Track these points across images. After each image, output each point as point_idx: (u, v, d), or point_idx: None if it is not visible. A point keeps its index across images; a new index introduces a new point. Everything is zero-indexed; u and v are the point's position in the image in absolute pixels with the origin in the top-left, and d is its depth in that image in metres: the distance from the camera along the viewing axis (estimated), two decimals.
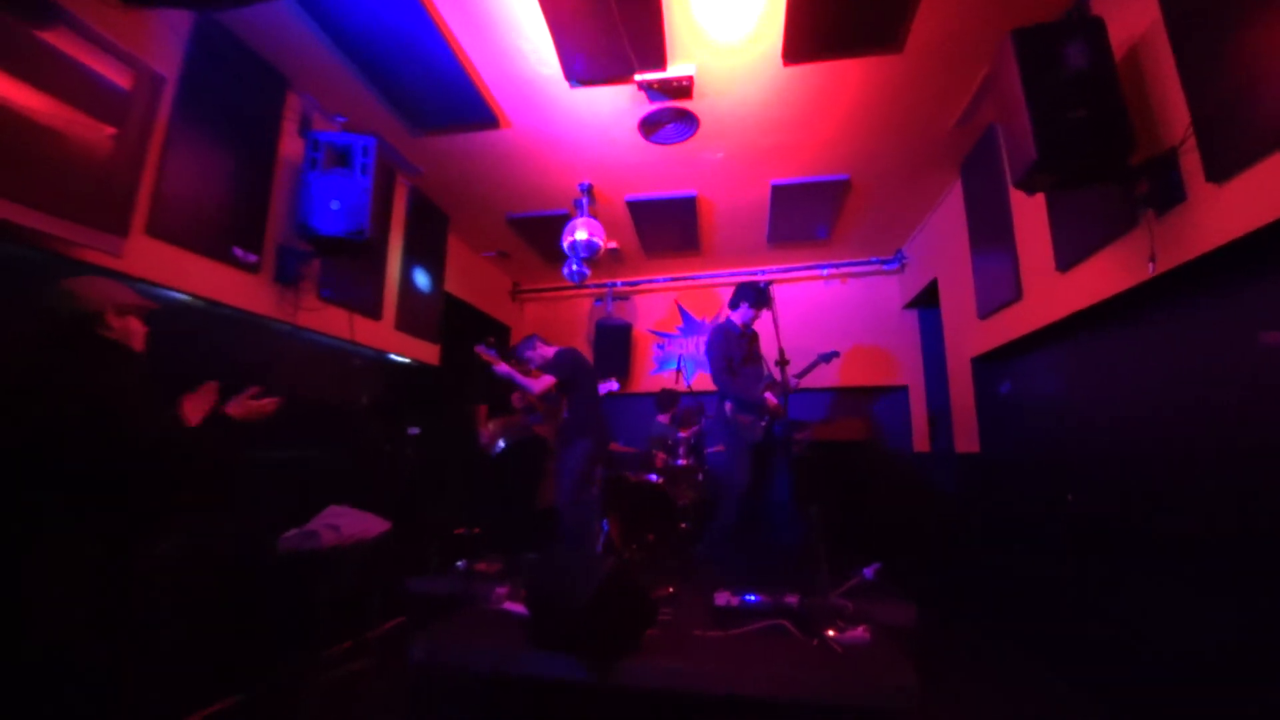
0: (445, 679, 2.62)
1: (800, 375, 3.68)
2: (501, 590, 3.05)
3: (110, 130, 2.16)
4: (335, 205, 2.90)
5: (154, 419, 1.59)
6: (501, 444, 4.57)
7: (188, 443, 1.65)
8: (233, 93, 2.75)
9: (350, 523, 2.87)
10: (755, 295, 3.82)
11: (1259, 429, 1.91)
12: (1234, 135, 1.77)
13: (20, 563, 1.40)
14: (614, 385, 4.81)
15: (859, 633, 2.37)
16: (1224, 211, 1.84)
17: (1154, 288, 2.22)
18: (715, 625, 2.55)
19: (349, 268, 3.49)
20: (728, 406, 3.88)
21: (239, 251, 2.74)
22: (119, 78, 2.19)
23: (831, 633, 2.38)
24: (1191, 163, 1.93)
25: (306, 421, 3.25)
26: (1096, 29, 2.06)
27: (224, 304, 2.71)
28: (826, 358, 3.86)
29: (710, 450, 4.73)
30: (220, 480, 2.53)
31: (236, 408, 1.85)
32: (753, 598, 2.75)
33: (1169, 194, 2.02)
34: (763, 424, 3.66)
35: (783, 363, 3.49)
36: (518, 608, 2.72)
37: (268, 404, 1.93)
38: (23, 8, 1.92)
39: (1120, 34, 2.15)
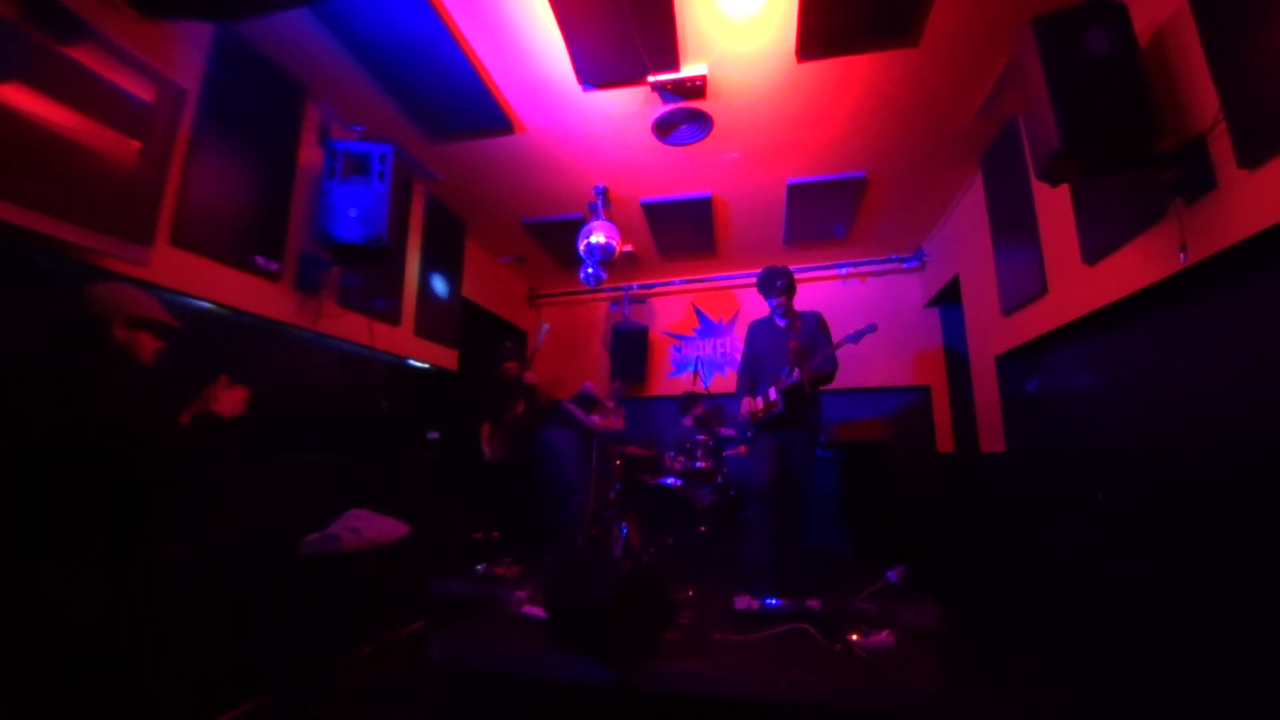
0: (466, 680, 2.62)
1: (829, 353, 3.49)
2: (521, 594, 3.06)
3: (135, 143, 2.21)
4: (354, 213, 2.94)
5: (152, 425, 1.63)
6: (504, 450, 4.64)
7: (187, 446, 1.68)
8: (252, 103, 2.81)
9: (371, 526, 2.90)
10: (759, 281, 3.77)
11: None
12: (1266, 119, 1.71)
13: (31, 563, 1.43)
14: None
15: (883, 637, 2.33)
16: (1258, 198, 1.77)
17: (1186, 278, 2.15)
18: (735, 629, 2.53)
19: (368, 274, 3.53)
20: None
21: (261, 260, 2.79)
22: (142, 91, 2.24)
23: (855, 637, 2.34)
24: (1222, 149, 1.87)
25: (328, 426, 3.30)
26: (1119, 14, 2.00)
27: (246, 311, 2.76)
28: (857, 337, 3.36)
29: (729, 452, 4.71)
30: (233, 482, 2.58)
31: (224, 405, 1.86)
32: (774, 601, 2.73)
33: (1199, 181, 1.96)
34: (752, 421, 3.62)
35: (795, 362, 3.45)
36: (536, 611, 2.72)
37: (238, 394, 1.92)
38: (51, 26, 1.98)
39: (1144, 19, 2.09)
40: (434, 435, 4.26)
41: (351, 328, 3.42)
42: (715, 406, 4.84)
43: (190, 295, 2.50)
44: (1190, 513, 2.26)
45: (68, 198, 1.98)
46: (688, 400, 5.03)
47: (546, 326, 5.02)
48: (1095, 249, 2.63)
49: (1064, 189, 2.81)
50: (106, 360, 1.65)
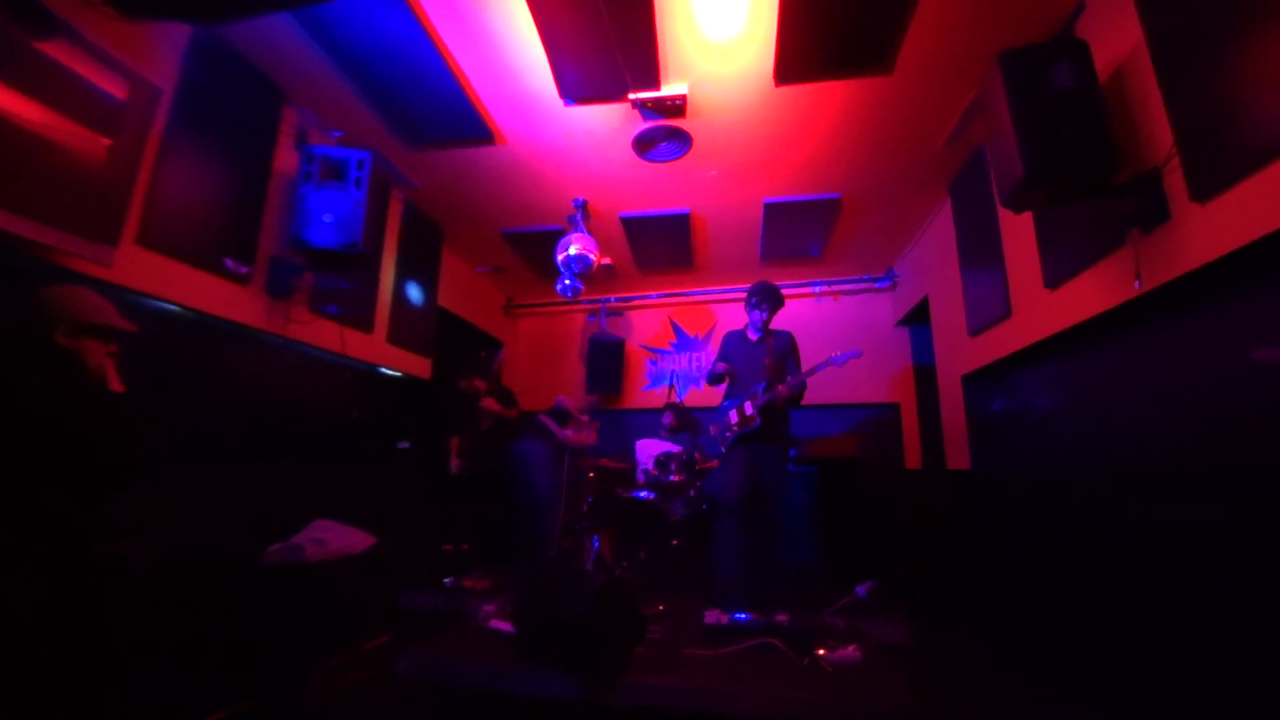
0: (433, 695, 2.57)
1: (808, 373, 3.56)
2: (489, 608, 3.01)
3: (105, 141, 2.17)
4: (329, 218, 2.90)
5: (96, 420, 1.59)
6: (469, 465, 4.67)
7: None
8: (229, 105, 2.77)
9: (336, 537, 2.84)
10: (750, 291, 3.83)
11: (1245, 440, 1.92)
12: (1216, 156, 1.80)
13: None
14: None
15: (849, 651, 2.35)
16: (1207, 231, 1.86)
17: (1141, 305, 2.24)
18: (704, 644, 2.52)
19: (342, 281, 3.49)
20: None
21: (230, 263, 2.74)
22: (115, 89, 2.20)
23: (822, 651, 2.36)
24: (1175, 182, 1.96)
25: (295, 433, 3.23)
26: (1081, 51, 2.10)
27: (213, 315, 2.70)
28: (842, 360, 3.41)
29: (703, 467, 4.73)
30: (193, 486, 2.50)
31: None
32: (743, 616, 2.73)
33: (1154, 213, 2.05)
34: (727, 435, 3.67)
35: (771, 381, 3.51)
36: (504, 625, 2.68)
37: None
38: (23, 19, 1.94)
39: (1105, 56, 2.19)
40: (405, 445, 4.20)
41: (322, 334, 3.37)
42: (691, 420, 4.88)
43: (155, 297, 2.44)
44: (1141, 529, 2.34)
45: (30, 193, 1.93)
46: (666, 407, 5.12)
47: (500, 352, 5.20)
48: (1056, 274, 2.73)
49: (1027, 216, 2.92)
50: (51, 364, 1.61)
